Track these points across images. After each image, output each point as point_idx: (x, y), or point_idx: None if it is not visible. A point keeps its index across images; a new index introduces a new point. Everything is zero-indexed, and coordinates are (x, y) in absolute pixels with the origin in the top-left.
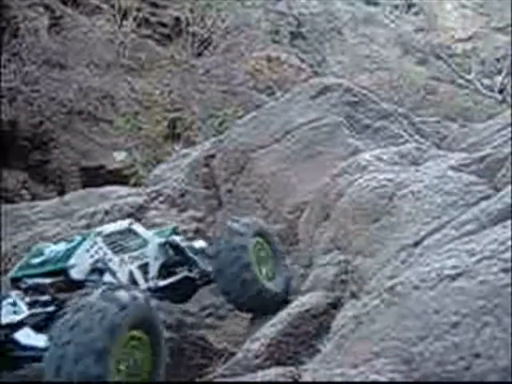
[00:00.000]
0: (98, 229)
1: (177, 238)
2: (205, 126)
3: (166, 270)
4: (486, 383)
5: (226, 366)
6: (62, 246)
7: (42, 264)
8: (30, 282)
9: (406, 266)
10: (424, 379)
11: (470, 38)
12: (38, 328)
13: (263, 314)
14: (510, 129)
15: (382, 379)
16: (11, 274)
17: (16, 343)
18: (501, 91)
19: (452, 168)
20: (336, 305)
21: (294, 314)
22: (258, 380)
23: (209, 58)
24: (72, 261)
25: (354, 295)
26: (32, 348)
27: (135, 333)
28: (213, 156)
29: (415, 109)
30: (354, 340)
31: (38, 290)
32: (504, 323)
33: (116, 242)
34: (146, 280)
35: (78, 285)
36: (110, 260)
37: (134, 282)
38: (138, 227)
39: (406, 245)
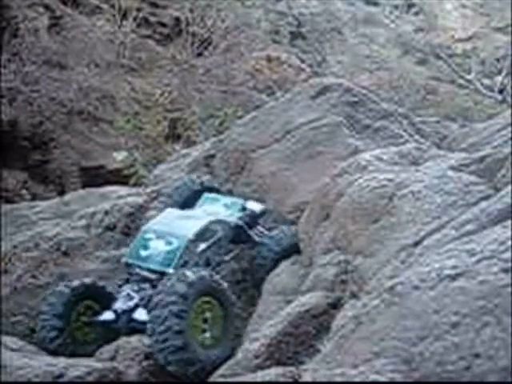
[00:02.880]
0: (189, 235)
1: (241, 222)
2: (205, 126)
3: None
4: (486, 383)
5: (226, 366)
6: (163, 246)
7: (147, 259)
8: (139, 272)
9: (406, 266)
10: (424, 379)
11: (470, 38)
12: (144, 307)
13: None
14: (510, 129)
15: (382, 379)
16: (125, 259)
17: (136, 321)
18: (501, 91)
19: (452, 168)
20: (336, 305)
21: (294, 313)
22: (258, 380)
23: (209, 58)
24: (171, 268)
25: (354, 295)
26: (145, 322)
27: (205, 299)
28: (213, 156)
29: (415, 109)
30: (354, 340)
31: (143, 279)
32: (504, 323)
33: (202, 236)
34: (217, 256)
35: None
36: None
37: (208, 263)
38: (218, 215)
39: (406, 245)
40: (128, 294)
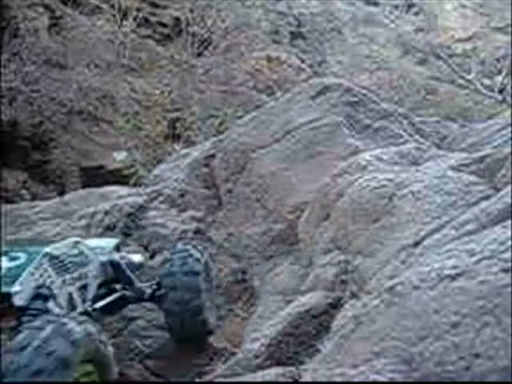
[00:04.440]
0: (47, 248)
1: (118, 257)
2: (205, 126)
3: (103, 288)
4: (486, 383)
5: (226, 366)
6: (5, 263)
7: None
8: None
9: (406, 265)
10: (424, 379)
11: (470, 38)
12: None
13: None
14: (510, 129)
15: (382, 379)
16: None
17: None
18: (501, 91)
19: (452, 168)
20: (336, 305)
21: (294, 314)
22: (258, 380)
23: (209, 58)
24: (17, 286)
25: (354, 295)
26: None
27: (87, 368)
28: (213, 156)
29: (415, 109)
30: (354, 340)
31: None
32: (504, 323)
33: (62, 262)
34: (84, 301)
35: (19, 311)
36: (53, 283)
37: (72, 304)
38: (83, 245)
39: (406, 245)
40: None
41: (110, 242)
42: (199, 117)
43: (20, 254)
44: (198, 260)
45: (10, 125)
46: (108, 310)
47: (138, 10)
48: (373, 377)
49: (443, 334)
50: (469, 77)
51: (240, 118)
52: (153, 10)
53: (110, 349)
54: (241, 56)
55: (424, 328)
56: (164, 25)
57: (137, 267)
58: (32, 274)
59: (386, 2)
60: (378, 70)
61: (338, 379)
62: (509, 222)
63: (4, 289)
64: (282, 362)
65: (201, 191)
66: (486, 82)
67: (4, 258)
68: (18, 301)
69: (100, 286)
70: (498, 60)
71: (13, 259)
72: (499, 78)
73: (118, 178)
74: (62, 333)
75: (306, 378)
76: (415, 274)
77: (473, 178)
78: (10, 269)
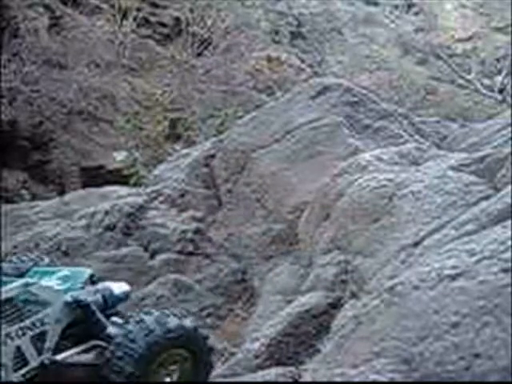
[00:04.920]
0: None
1: (88, 295)
2: (205, 126)
3: (71, 335)
4: (486, 383)
5: (226, 366)
6: None
7: None
8: None
9: (406, 266)
10: (424, 379)
11: (470, 38)
12: None
13: None
14: (510, 129)
15: (382, 379)
16: None
17: None
18: (501, 91)
19: (452, 168)
20: (336, 305)
21: (294, 314)
22: (258, 380)
23: (209, 58)
24: None
25: (354, 295)
26: None
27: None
28: (213, 156)
29: (415, 109)
30: (354, 340)
31: None
32: (504, 323)
33: (13, 306)
34: (40, 353)
35: None
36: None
37: (22, 361)
38: (38, 287)
39: (406, 245)
40: None
41: (81, 274)
42: (199, 117)
43: None
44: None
45: (9, 125)
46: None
47: (138, 9)
48: (373, 377)
49: (443, 334)
50: (469, 77)
51: (240, 118)
52: (153, 9)
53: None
54: (241, 56)
55: (424, 328)
56: (164, 25)
57: (120, 299)
58: None
59: (386, 2)
60: (378, 70)
61: (338, 379)
62: (509, 222)
63: None
64: (282, 362)
65: (201, 191)
66: (486, 81)
67: None
68: None
69: (65, 331)
70: (498, 60)
71: None
72: (499, 78)
73: (118, 178)
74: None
75: (306, 378)
76: (415, 274)
77: (473, 178)
78: None
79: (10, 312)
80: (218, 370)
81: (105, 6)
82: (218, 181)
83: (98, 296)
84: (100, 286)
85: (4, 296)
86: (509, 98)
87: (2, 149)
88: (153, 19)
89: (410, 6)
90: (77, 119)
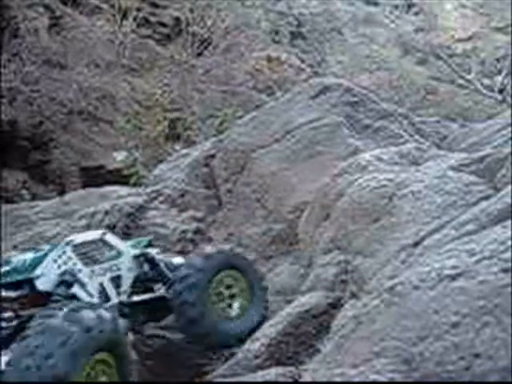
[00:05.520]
0: (69, 238)
1: (152, 251)
2: (205, 126)
3: (141, 285)
4: (486, 383)
5: (226, 366)
6: (29, 255)
7: (7, 273)
8: None
9: (406, 266)
10: (424, 379)
11: (470, 38)
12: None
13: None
14: (510, 129)
15: (382, 379)
16: None
17: None
18: (501, 91)
19: (452, 168)
20: (336, 305)
21: (294, 314)
22: (258, 380)
23: (209, 58)
24: (38, 271)
25: (354, 295)
26: None
27: (101, 356)
28: (213, 156)
29: (415, 109)
30: (354, 340)
31: (1, 303)
32: (504, 323)
33: (87, 253)
34: (118, 294)
35: (44, 298)
36: (80, 271)
37: (105, 295)
38: (111, 238)
39: (406, 245)
40: None
41: (144, 241)
42: (199, 117)
43: (45, 247)
44: None
45: (9, 125)
46: (149, 309)
47: (138, 9)
48: (373, 377)
49: (443, 334)
50: (469, 77)
51: (240, 118)
52: (153, 9)
53: (129, 340)
54: (241, 56)
55: (424, 328)
56: (164, 25)
57: (176, 266)
58: (55, 261)
59: (386, 2)
60: (378, 70)
61: (338, 379)
62: (509, 222)
63: (26, 276)
64: (282, 362)
65: (201, 191)
66: (486, 81)
67: (30, 252)
68: (41, 285)
69: (136, 282)
70: (497, 60)
71: (38, 251)
72: (499, 78)
73: (118, 178)
74: (74, 319)
75: (306, 378)
76: (415, 274)
77: (473, 178)
78: (33, 258)
79: (89, 255)
80: (218, 370)
81: (105, 5)
82: (218, 181)
83: (162, 259)
84: (160, 252)
85: (80, 240)
86: (509, 98)
87: (2, 149)
88: (153, 19)
89: (409, 6)
90: (77, 119)
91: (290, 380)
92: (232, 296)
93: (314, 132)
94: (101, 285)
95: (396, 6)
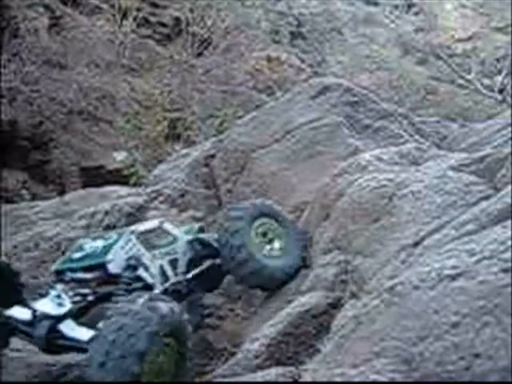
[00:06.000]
0: (132, 227)
1: (204, 235)
2: (205, 126)
3: (193, 264)
4: (486, 383)
5: (226, 366)
6: (99, 243)
7: (82, 258)
8: (73, 275)
9: (406, 266)
10: (424, 379)
11: (470, 38)
12: (79, 317)
13: (271, 289)
14: (510, 129)
15: (382, 379)
16: (55, 266)
17: (60, 333)
18: (501, 91)
19: (452, 168)
20: (336, 305)
21: (294, 314)
22: (258, 380)
23: (209, 58)
24: (110, 256)
25: (354, 295)
26: (74, 339)
27: (168, 340)
28: (213, 156)
29: (415, 109)
30: (354, 340)
31: (79, 283)
32: (504, 323)
33: (149, 240)
34: (176, 274)
35: (114, 279)
36: (143, 255)
37: (164, 275)
38: (168, 225)
39: (406, 245)
40: (58, 296)
41: (195, 227)
42: (199, 117)
43: (112, 235)
44: None
45: (9, 125)
46: (203, 280)
47: (138, 9)
48: (373, 377)
49: (443, 334)
50: (469, 77)
51: (240, 118)
52: (153, 9)
53: (189, 327)
54: (241, 56)
55: (424, 328)
56: (164, 25)
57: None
58: (122, 248)
59: (386, 1)
60: (378, 70)
61: (338, 379)
62: (509, 222)
63: (98, 261)
64: (282, 362)
65: (201, 191)
66: (486, 81)
67: (100, 240)
68: (112, 269)
69: (190, 263)
70: (498, 60)
71: (106, 239)
72: (499, 78)
73: (118, 178)
74: (152, 307)
75: (306, 378)
76: (415, 274)
77: (473, 178)
78: (104, 245)
79: (150, 242)
80: (218, 370)
81: (105, 5)
82: (218, 181)
83: (212, 239)
84: (210, 234)
85: (142, 229)
86: (509, 98)
87: (2, 149)
88: (153, 19)
89: (409, 6)
90: (77, 119)
91: (290, 380)
92: (271, 240)
93: (314, 132)
94: (161, 267)
95: (396, 6)
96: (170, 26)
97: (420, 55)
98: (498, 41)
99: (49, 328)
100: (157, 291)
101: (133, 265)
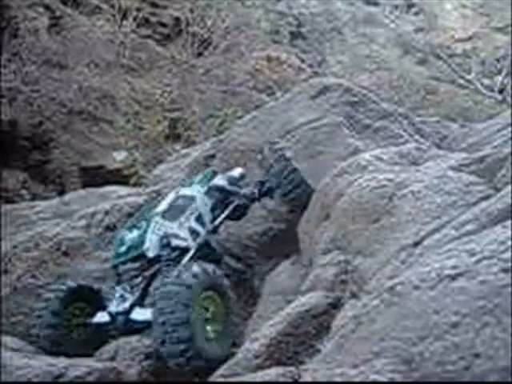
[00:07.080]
0: (156, 210)
1: (217, 181)
2: (205, 126)
3: (218, 208)
4: (486, 383)
5: (226, 366)
6: (135, 233)
7: (126, 252)
8: (124, 267)
9: (406, 266)
10: (424, 379)
11: (470, 38)
12: (144, 300)
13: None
14: (510, 129)
15: (382, 379)
16: (111, 263)
17: (133, 321)
18: (501, 91)
19: (452, 168)
20: (336, 305)
21: (293, 314)
22: (258, 380)
23: (209, 58)
24: (146, 245)
25: (354, 295)
26: (145, 321)
27: (208, 293)
28: (213, 156)
29: (415, 109)
30: (354, 340)
31: (131, 272)
32: (504, 323)
33: (171, 212)
34: (204, 226)
35: (156, 260)
36: (171, 228)
37: (195, 233)
38: (183, 190)
39: (406, 245)
40: (121, 296)
41: (212, 173)
42: (199, 117)
43: (142, 223)
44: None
45: (10, 125)
46: (230, 218)
47: (138, 9)
48: (373, 377)
49: (443, 334)
50: (469, 77)
51: (240, 117)
52: (153, 9)
53: (226, 281)
54: (241, 56)
55: (424, 328)
56: (164, 25)
57: (238, 179)
58: (153, 232)
59: (386, 1)
60: (378, 69)
61: (338, 379)
62: (509, 222)
63: (139, 251)
64: (282, 362)
65: None
66: (486, 81)
67: (135, 230)
68: (151, 254)
69: (214, 210)
70: (497, 60)
71: (139, 228)
72: (499, 78)
73: (118, 177)
74: (178, 282)
75: (306, 378)
76: (415, 274)
77: (473, 178)
78: (139, 236)
79: (173, 213)
80: (218, 370)
81: (105, 6)
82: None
83: (225, 180)
84: (222, 175)
85: (162, 208)
86: (509, 98)
87: (2, 149)
88: (153, 19)
89: (409, 6)
90: (77, 119)
91: (290, 380)
92: None
93: (314, 132)
94: (189, 228)
95: (396, 6)
96: (169, 26)
97: (420, 55)
98: (497, 41)
99: (123, 321)
100: (192, 250)
101: (166, 242)
